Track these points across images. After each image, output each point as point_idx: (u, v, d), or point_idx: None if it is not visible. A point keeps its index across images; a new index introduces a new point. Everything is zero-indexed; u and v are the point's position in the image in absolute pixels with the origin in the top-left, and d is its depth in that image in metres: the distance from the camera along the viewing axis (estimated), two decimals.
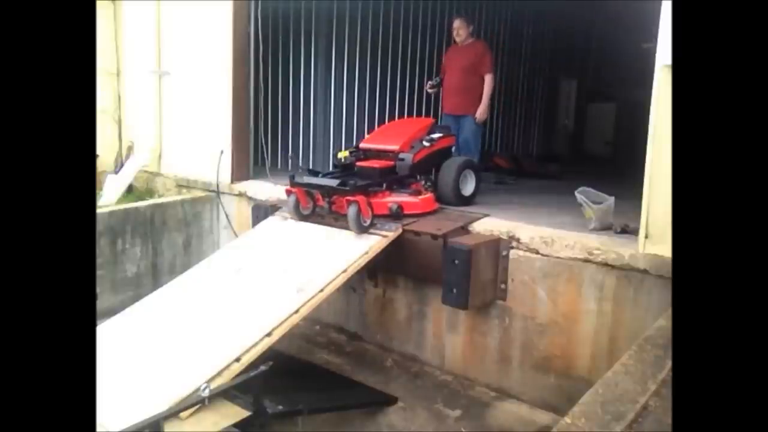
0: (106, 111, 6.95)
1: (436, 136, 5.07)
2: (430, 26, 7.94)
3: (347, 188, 4.32)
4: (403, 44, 7.69)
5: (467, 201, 5.09)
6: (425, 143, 4.95)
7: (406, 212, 4.45)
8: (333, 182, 4.47)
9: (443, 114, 6.31)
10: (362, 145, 5.14)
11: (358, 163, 4.91)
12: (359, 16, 7.14)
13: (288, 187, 4.60)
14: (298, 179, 4.60)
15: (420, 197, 4.63)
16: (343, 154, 5.03)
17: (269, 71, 6.75)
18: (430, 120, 5.54)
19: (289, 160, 6.22)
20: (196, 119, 6.32)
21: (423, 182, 4.81)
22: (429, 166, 5.04)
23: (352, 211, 4.18)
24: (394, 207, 4.40)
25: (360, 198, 4.23)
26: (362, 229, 4.25)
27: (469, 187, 5.16)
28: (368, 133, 6.05)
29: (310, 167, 6.13)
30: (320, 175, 4.78)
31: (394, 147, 4.90)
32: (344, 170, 4.91)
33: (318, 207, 4.65)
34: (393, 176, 4.79)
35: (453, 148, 5.46)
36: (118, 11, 7.03)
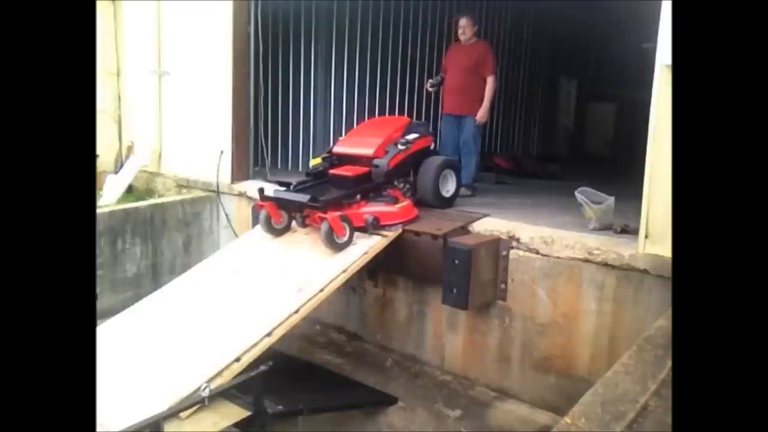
0: (106, 111, 6.94)
1: (411, 137, 4.78)
2: (430, 26, 7.94)
3: (318, 204, 4.06)
4: (403, 43, 7.69)
5: (448, 202, 4.94)
6: (400, 146, 4.67)
7: (383, 223, 4.25)
8: (303, 197, 4.17)
9: (443, 113, 6.29)
10: (335, 149, 4.86)
11: (331, 171, 4.63)
12: (359, 16, 7.15)
13: (258, 202, 4.36)
14: (267, 193, 4.34)
15: (398, 205, 4.40)
16: (314, 162, 4.77)
17: (269, 71, 6.74)
18: (406, 120, 5.26)
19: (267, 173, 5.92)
20: (196, 119, 6.32)
21: (401, 185, 4.62)
22: (406, 169, 4.81)
23: (324, 229, 3.96)
24: (370, 219, 4.18)
25: (332, 216, 3.99)
26: (338, 248, 4.02)
27: (449, 188, 4.97)
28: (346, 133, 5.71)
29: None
30: (291, 186, 4.47)
31: (368, 152, 4.63)
32: (316, 179, 4.64)
33: (293, 218, 4.40)
34: (368, 184, 4.51)
35: (432, 146, 5.18)
36: (118, 11, 7.02)
